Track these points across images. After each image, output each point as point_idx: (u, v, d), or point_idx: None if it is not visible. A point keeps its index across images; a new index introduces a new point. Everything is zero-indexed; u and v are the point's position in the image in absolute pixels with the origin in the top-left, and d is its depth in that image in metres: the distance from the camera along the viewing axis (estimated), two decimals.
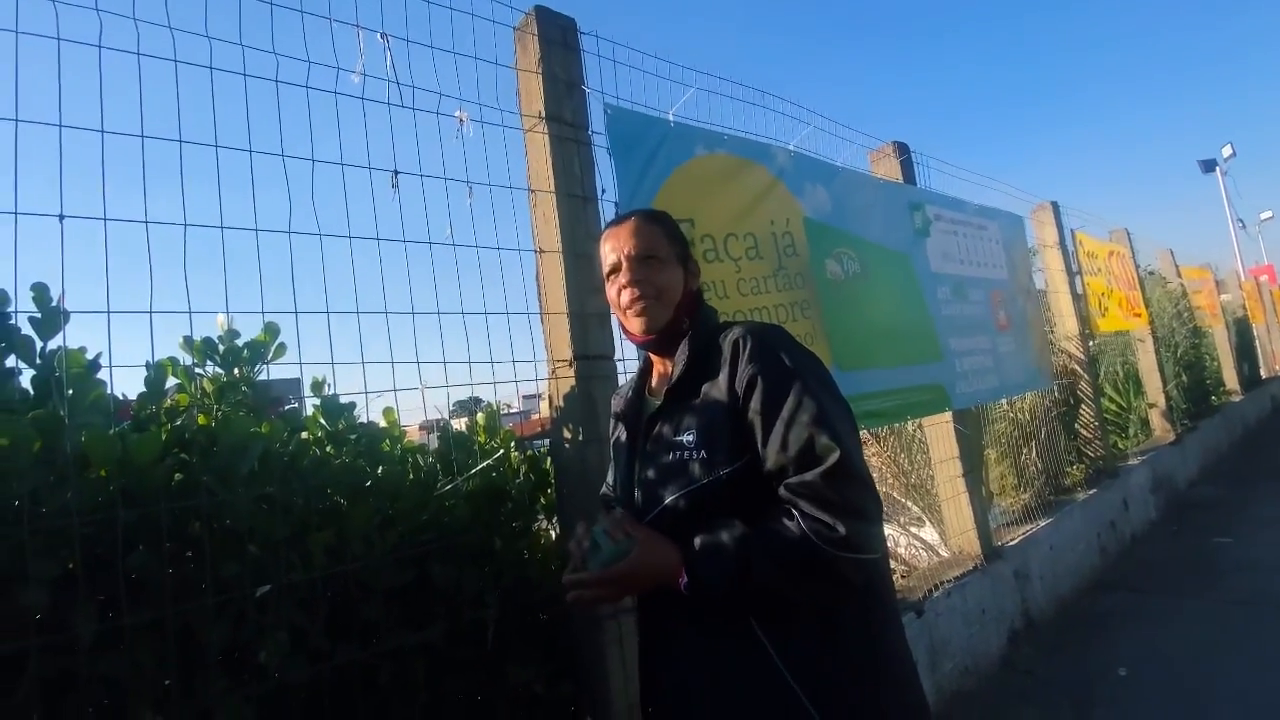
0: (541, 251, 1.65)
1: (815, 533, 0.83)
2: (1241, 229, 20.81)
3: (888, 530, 4.30)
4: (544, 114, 1.64)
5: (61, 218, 1.03)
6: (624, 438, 1.11)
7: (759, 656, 0.87)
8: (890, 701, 0.90)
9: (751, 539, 0.87)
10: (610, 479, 1.19)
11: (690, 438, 0.96)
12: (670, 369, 1.04)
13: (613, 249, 1.07)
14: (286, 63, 1.22)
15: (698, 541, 0.90)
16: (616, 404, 1.20)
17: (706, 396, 0.97)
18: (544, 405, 1.74)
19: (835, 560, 0.83)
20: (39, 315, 1.12)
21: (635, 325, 1.06)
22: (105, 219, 1.04)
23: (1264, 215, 22.89)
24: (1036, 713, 2.40)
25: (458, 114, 1.46)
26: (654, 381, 1.13)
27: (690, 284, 1.09)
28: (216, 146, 1.14)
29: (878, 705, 0.88)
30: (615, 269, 1.07)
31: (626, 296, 1.05)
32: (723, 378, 0.95)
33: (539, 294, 1.65)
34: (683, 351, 1.01)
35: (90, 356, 1.15)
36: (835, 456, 0.85)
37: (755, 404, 0.91)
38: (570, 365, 1.60)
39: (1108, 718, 2.31)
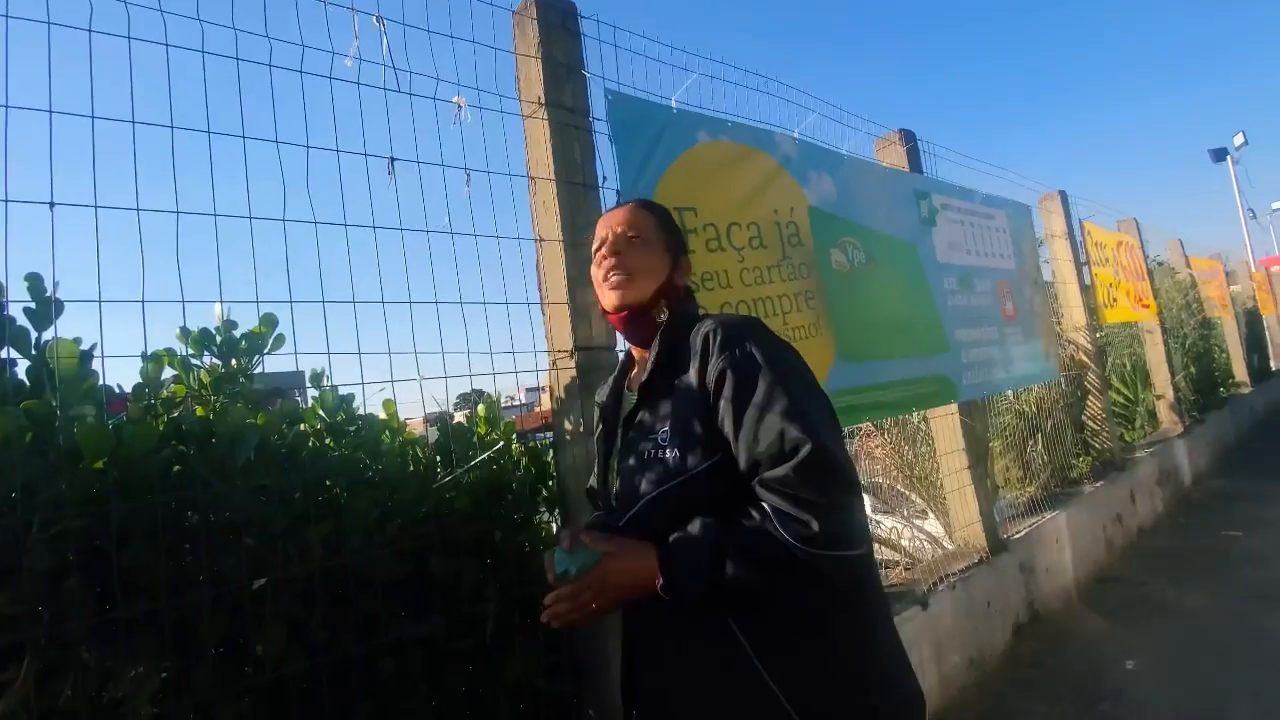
0: (541, 240, 1.63)
1: (788, 530, 0.80)
2: (1252, 219, 20.59)
3: (891, 522, 4.29)
4: (543, 99, 1.61)
5: (52, 205, 1.02)
6: (604, 438, 1.11)
7: (738, 658, 0.85)
8: (881, 700, 0.86)
9: (725, 538, 0.84)
10: (595, 474, 1.17)
11: (664, 435, 0.94)
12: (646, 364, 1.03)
13: (603, 226, 1.08)
14: (280, 47, 1.20)
15: (671, 542, 0.88)
16: (600, 396, 1.19)
17: (678, 392, 0.95)
18: (545, 397, 1.72)
19: (811, 558, 0.79)
20: (34, 306, 1.11)
21: (607, 298, 1.04)
22: (96, 206, 1.02)
23: (1276, 205, 22.66)
24: (1042, 706, 2.38)
25: (455, 100, 1.43)
26: (632, 378, 1.11)
27: (676, 277, 1.07)
28: (209, 133, 1.12)
29: (868, 705, 0.85)
30: (601, 244, 1.07)
31: (605, 267, 1.04)
32: (693, 372, 0.93)
33: (539, 284, 1.63)
34: (656, 345, 1.00)
35: (84, 348, 1.14)
36: (807, 449, 0.81)
37: (725, 398, 0.88)
38: (571, 356, 1.58)
39: (1115, 711, 2.29)
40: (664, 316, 1.03)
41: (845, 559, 0.81)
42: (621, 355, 1.20)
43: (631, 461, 0.98)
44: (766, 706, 0.83)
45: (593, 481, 1.17)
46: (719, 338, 0.92)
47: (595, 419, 1.18)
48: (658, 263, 1.05)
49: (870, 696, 0.86)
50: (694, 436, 0.90)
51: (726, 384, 0.89)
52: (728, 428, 0.88)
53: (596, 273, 1.07)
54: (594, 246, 1.09)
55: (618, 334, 1.63)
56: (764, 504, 0.84)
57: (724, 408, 0.88)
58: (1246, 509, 4.53)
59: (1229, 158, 19.78)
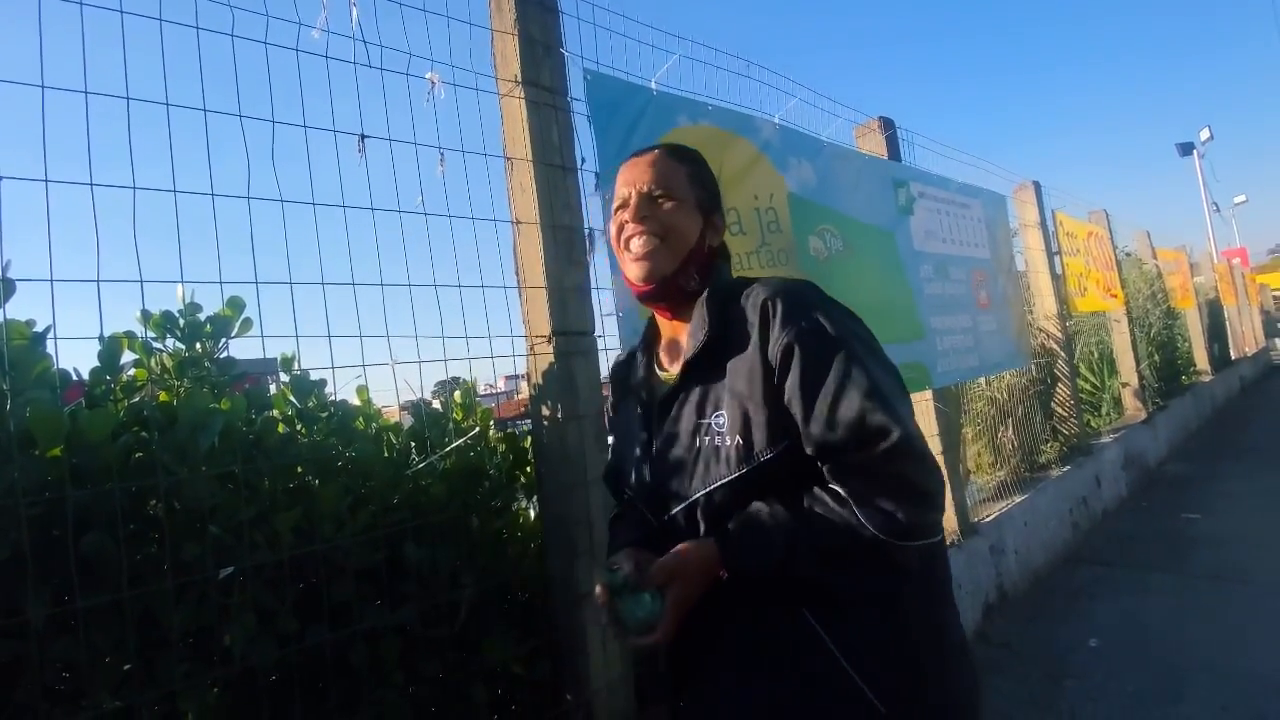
0: (518, 223, 1.60)
1: (872, 521, 0.74)
2: (1216, 212, 21.18)
3: None
4: (520, 78, 1.57)
5: None
6: (637, 420, 0.97)
7: (813, 645, 0.78)
8: (955, 685, 0.82)
9: (798, 529, 0.77)
10: (610, 461, 1.07)
11: (720, 420, 0.83)
12: (680, 336, 0.92)
13: (625, 181, 0.94)
14: (243, 16, 1.15)
15: (733, 529, 0.80)
16: (620, 374, 1.07)
17: (734, 370, 0.84)
18: (524, 384, 1.70)
19: (894, 549, 0.74)
20: None
21: (633, 270, 0.92)
22: (46, 180, 0.97)
23: (1238, 199, 23.37)
24: (1010, 684, 2.44)
25: (429, 76, 1.39)
26: (662, 351, 0.99)
27: (709, 239, 0.95)
28: (168, 105, 1.07)
29: (944, 687, 0.81)
30: (624, 203, 0.93)
31: (628, 233, 0.91)
32: (752, 348, 0.82)
33: (516, 267, 1.60)
34: (700, 317, 0.88)
35: (37, 330, 1.09)
36: (895, 435, 0.74)
37: (794, 377, 0.79)
38: (549, 341, 1.56)
39: (1080, 688, 2.36)
40: (695, 283, 0.92)
41: (925, 549, 0.78)
42: (637, 331, 1.08)
43: (678, 452, 0.87)
44: (848, 695, 0.77)
45: (611, 465, 1.06)
46: (780, 307, 0.82)
47: (611, 400, 1.09)
48: (689, 224, 0.92)
49: (948, 682, 0.82)
50: (758, 421, 0.81)
51: (795, 360, 0.79)
52: (797, 409, 0.79)
53: (615, 235, 0.94)
54: (615, 204, 0.95)
55: (599, 319, 1.62)
56: (841, 490, 0.77)
57: (793, 387, 0.79)
58: (1205, 492, 4.68)
59: (1196, 152, 20.27)
